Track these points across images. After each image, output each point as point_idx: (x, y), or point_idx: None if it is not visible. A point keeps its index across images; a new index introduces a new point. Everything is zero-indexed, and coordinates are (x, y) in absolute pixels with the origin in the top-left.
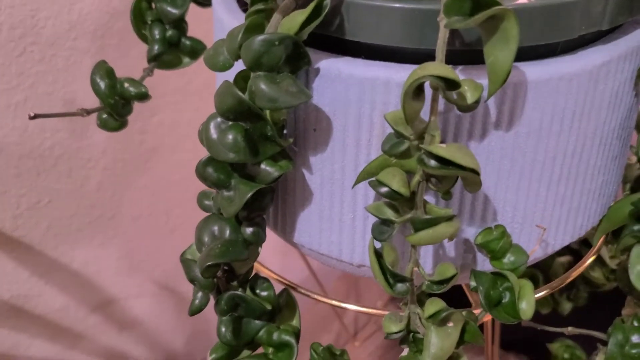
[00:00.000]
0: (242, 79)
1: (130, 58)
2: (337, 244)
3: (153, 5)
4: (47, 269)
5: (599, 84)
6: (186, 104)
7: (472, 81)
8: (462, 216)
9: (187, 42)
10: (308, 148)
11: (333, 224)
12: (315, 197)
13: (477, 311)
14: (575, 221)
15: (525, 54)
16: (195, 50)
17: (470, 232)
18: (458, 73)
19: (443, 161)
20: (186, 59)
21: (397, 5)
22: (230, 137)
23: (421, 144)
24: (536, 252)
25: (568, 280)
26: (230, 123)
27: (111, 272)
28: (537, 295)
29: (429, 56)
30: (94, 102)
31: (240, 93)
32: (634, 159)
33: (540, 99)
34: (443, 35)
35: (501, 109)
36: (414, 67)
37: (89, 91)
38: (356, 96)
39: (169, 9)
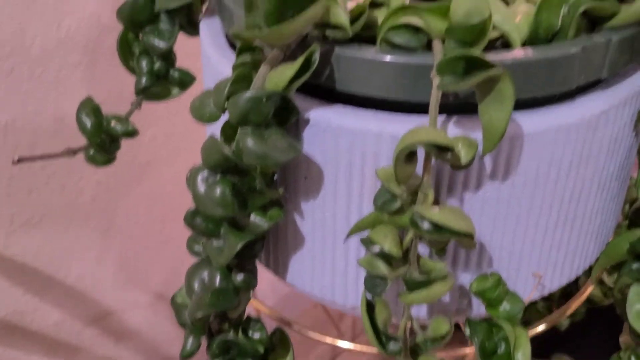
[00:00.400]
0: (229, 127)
1: (122, 72)
2: (330, 287)
3: (140, 36)
4: (42, 285)
5: (597, 131)
6: (180, 116)
7: (467, 139)
8: (457, 263)
9: (176, 74)
10: (299, 194)
11: (325, 268)
12: (307, 242)
13: (470, 352)
14: (573, 263)
15: (522, 103)
16: (184, 81)
17: (466, 279)
18: (452, 125)
19: (437, 225)
20: (175, 90)
21: (388, 59)
22: (218, 191)
23: (414, 202)
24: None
25: (568, 313)
26: (218, 177)
27: (107, 285)
28: (536, 331)
29: (423, 105)
30: None
31: (226, 150)
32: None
33: (537, 150)
34: (436, 96)
35: (497, 161)
36: (407, 118)
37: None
38: (347, 147)
39: (156, 42)
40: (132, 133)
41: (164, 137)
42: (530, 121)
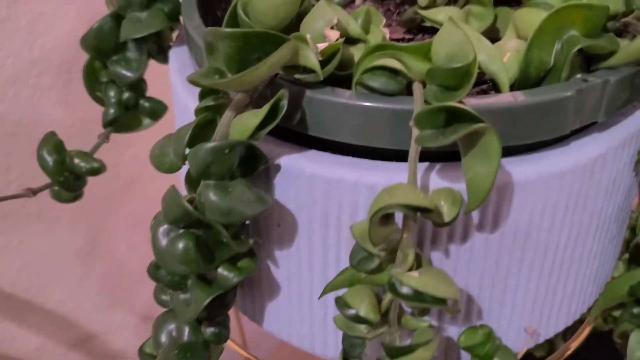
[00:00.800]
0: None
1: None
2: (309, 337)
3: (108, 64)
4: (20, 311)
5: (594, 175)
6: (163, 133)
7: (450, 193)
8: (444, 315)
9: (147, 104)
10: (273, 242)
11: (303, 317)
12: (284, 291)
13: None
14: (569, 308)
15: (511, 148)
16: (156, 111)
17: (453, 331)
18: (434, 175)
19: (417, 290)
20: (146, 121)
21: (363, 104)
22: (180, 246)
23: (393, 260)
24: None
25: (567, 353)
26: (181, 231)
27: (89, 307)
28: None
29: (404, 151)
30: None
31: (187, 205)
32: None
33: (529, 198)
34: (414, 151)
35: (484, 212)
36: (386, 165)
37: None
38: (322, 196)
39: (124, 72)
40: (97, 171)
41: (147, 156)
42: (521, 169)
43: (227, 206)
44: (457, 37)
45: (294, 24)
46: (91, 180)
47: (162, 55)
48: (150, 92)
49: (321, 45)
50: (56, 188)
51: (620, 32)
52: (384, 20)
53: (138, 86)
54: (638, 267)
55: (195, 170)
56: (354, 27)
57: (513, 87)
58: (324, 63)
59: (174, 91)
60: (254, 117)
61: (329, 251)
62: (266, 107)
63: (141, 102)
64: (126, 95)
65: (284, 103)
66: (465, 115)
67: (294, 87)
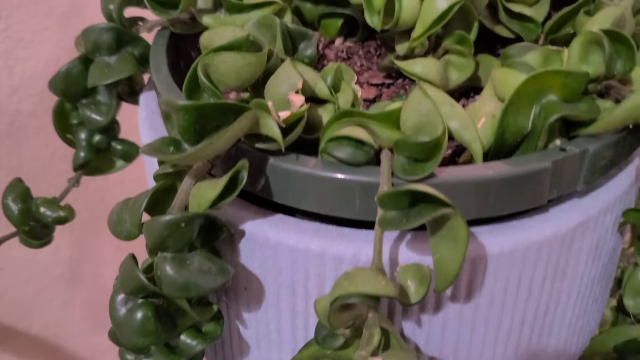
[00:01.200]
0: None
1: None
2: None
3: (78, 107)
4: (3, 336)
5: (574, 244)
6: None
7: (418, 270)
8: None
9: (119, 147)
10: (241, 304)
11: None
12: (253, 352)
13: None
14: None
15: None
16: (129, 154)
17: None
18: (403, 246)
19: None
20: (120, 162)
21: (327, 174)
22: (138, 317)
23: (359, 337)
24: None
25: None
26: (139, 300)
27: (75, 332)
28: None
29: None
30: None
31: (143, 279)
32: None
33: (504, 270)
34: (379, 235)
35: (457, 283)
36: (353, 234)
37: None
38: (288, 264)
39: (94, 116)
40: (63, 220)
41: (133, 179)
42: (495, 240)
43: (185, 281)
44: (425, 107)
45: (261, 81)
46: (75, 204)
47: (134, 97)
48: (132, 120)
49: (283, 114)
50: (24, 236)
51: (603, 94)
52: (356, 78)
53: (110, 128)
54: (625, 315)
55: (151, 244)
56: (322, 88)
57: (488, 153)
58: (287, 130)
59: (142, 140)
60: (211, 189)
61: (297, 317)
62: (225, 179)
63: (113, 144)
64: (97, 138)
65: (244, 175)
66: (431, 197)
67: (257, 152)
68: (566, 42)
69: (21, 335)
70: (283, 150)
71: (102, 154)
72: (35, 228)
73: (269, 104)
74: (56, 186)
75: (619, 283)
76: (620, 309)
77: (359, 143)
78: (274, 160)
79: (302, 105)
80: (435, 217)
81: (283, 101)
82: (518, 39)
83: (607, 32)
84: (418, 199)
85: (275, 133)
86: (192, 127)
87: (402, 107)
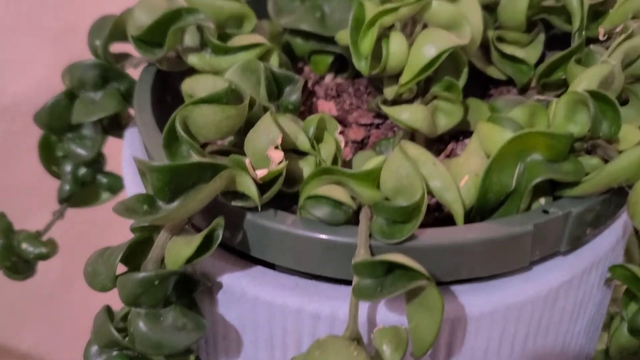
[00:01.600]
0: None
1: None
2: None
3: (63, 140)
4: None
5: (557, 302)
6: None
7: (395, 334)
8: None
9: (104, 180)
10: (219, 352)
11: None
12: None
13: None
14: None
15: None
16: (114, 187)
17: None
18: (382, 306)
19: None
20: (105, 195)
21: (304, 234)
22: None
23: None
24: None
25: None
26: (114, 353)
27: (64, 351)
28: None
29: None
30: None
31: (116, 335)
32: None
33: (485, 330)
34: (354, 301)
35: (437, 343)
36: (331, 291)
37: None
38: (265, 319)
39: (79, 150)
40: (45, 256)
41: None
42: (475, 300)
43: (158, 339)
44: (405, 170)
45: (243, 130)
46: (66, 223)
47: (119, 131)
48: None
49: (261, 172)
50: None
51: (590, 151)
52: (339, 128)
53: (95, 161)
54: None
55: (124, 299)
56: (303, 141)
57: (471, 211)
58: (265, 186)
59: (124, 179)
60: (186, 247)
61: None
62: (199, 238)
63: (98, 177)
64: (82, 171)
65: (219, 233)
66: (405, 268)
67: (234, 207)
68: (559, 85)
69: (11, 354)
70: (259, 209)
71: (88, 186)
72: (18, 263)
73: (247, 161)
74: (47, 205)
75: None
76: (607, 355)
77: (337, 202)
78: (251, 216)
79: (280, 162)
80: (408, 289)
81: (262, 156)
82: (510, 80)
83: (593, 93)
84: (394, 267)
85: (252, 192)
86: (166, 187)
87: (383, 166)
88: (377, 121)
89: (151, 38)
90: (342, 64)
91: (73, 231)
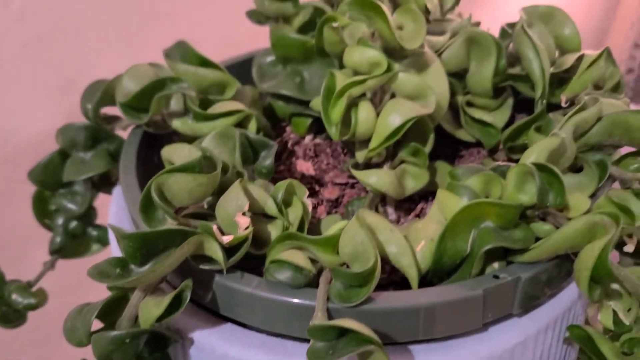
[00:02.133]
0: None
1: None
2: None
3: (56, 195)
4: None
5: None
6: None
7: None
8: None
9: (94, 232)
10: None
11: None
12: None
13: None
14: None
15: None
16: (104, 239)
17: None
18: None
19: None
20: (95, 246)
21: (266, 294)
22: None
23: None
24: None
25: None
26: None
27: None
28: None
29: None
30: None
31: None
32: None
33: None
34: None
35: None
36: (298, 350)
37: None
38: None
39: (70, 205)
40: (34, 307)
41: None
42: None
43: None
44: (360, 237)
45: (217, 193)
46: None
47: (109, 188)
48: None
49: (227, 238)
50: None
51: (543, 218)
52: (307, 193)
53: (86, 215)
54: None
55: (98, 357)
56: (271, 207)
57: (427, 274)
58: (232, 250)
59: (110, 236)
60: (156, 307)
61: None
62: (168, 299)
63: (89, 230)
64: (73, 224)
65: (187, 294)
66: (353, 332)
67: (203, 269)
68: (524, 148)
69: None
70: (224, 272)
71: (78, 239)
72: (8, 312)
73: (214, 227)
74: (46, 249)
75: None
76: None
77: (298, 267)
78: (219, 278)
79: (247, 228)
80: (359, 352)
81: (231, 221)
82: (479, 142)
83: (539, 166)
84: (346, 331)
85: (218, 256)
86: (137, 253)
87: (342, 234)
88: (351, 181)
89: (137, 104)
90: (321, 125)
91: (71, 274)
